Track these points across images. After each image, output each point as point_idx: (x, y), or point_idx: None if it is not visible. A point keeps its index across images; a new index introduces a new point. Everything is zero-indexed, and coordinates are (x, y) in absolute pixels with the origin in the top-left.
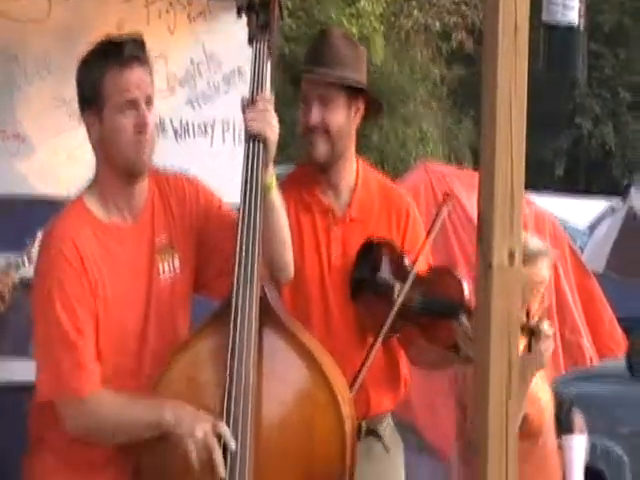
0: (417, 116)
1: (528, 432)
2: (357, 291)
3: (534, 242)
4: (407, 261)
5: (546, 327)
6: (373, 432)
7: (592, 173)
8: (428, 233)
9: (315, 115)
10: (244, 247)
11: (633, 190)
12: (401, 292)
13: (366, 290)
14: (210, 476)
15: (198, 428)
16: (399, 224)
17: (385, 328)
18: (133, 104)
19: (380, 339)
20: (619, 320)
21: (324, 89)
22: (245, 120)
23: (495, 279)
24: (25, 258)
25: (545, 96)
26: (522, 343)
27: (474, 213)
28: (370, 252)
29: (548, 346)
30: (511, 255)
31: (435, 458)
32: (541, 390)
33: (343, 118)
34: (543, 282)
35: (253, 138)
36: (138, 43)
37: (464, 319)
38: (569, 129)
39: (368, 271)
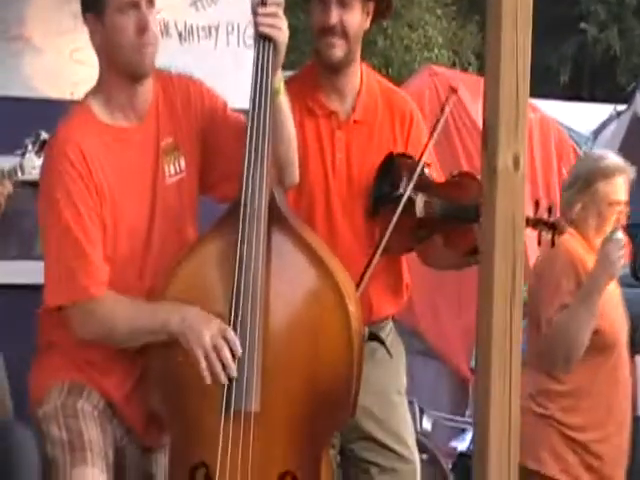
0: (422, 21)
1: (601, 345)
2: (379, 207)
3: (613, 158)
4: (427, 171)
5: (620, 235)
6: (376, 337)
7: (597, 79)
8: (435, 125)
9: (334, 16)
10: (253, 148)
11: (638, 95)
12: (407, 187)
13: (387, 206)
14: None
15: (206, 333)
16: (403, 126)
17: (387, 234)
18: (134, 5)
19: (380, 249)
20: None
21: None
22: (255, 22)
23: (500, 183)
24: (24, 162)
25: (550, 1)
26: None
27: (479, 118)
28: (390, 167)
29: (620, 255)
30: (516, 160)
31: (439, 360)
32: (613, 303)
33: (359, 20)
34: (618, 203)
35: (263, 40)
36: None
37: None
38: (574, 35)
39: (388, 187)
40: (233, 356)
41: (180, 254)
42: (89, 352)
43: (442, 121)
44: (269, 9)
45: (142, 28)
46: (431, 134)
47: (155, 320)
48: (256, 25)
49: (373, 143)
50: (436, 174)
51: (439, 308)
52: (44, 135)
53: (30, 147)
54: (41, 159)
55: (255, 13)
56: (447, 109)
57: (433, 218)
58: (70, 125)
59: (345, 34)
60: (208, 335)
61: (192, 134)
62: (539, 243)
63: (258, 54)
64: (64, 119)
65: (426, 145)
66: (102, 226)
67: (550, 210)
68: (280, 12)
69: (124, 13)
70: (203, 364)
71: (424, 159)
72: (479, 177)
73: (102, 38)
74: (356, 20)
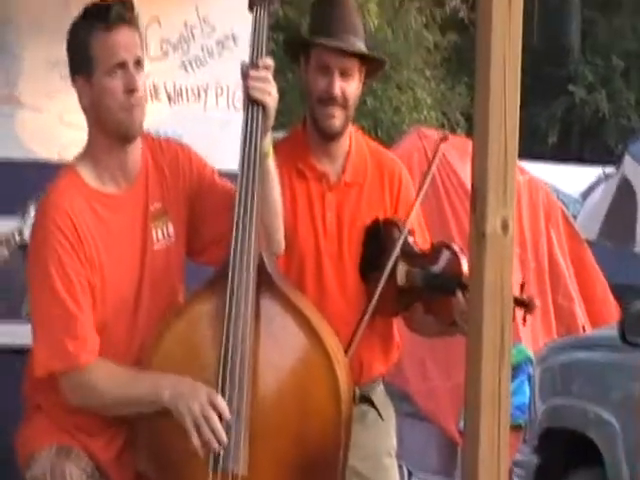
0: (411, 83)
1: None
2: (367, 271)
3: None
4: (410, 239)
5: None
6: (367, 399)
7: (585, 141)
8: (423, 178)
9: (337, 87)
10: (242, 212)
11: (626, 157)
12: (389, 258)
13: (374, 270)
14: (209, 450)
15: (195, 403)
16: (392, 188)
17: (375, 298)
18: (122, 66)
19: (370, 311)
20: (612, 287)
21: (347, 61)
22: (245, 86)
23: (488, 248)
24: (24, 227)
25: (538, 64)
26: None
27: (467, 179)
28: (377, 233)
29: None
30: (504, 224)
31: (427, 422)
32: None
33: (356, 88)
34: None
35: (253, 104)
36: (125, 5)
37: (461, 295)
38: (562, 96)
39: (375, 252)
40: (222, 420)
41: (168, 317)
42: (77, 415)
43: (432, 168)
44: (260, 73)
45: (131, 89)
46: (419, 189)
47: (145, 391)
48: (246, 89)
49: (363, 204)
50: (421, 240)
51: (428, 370)
52: None
53: (32, 211)
54: None
55: (245, 77)
56: (438, 155)
57: (414, 287)
58: (59, 190)
59: (345, 104)
60: (197, 405)
61: (180, 199)
62: (524, 322)
63: (248, 118)
64: (52, 184)
65: (411, 208)
66: (92, 293)
67: (522, 287)
68: (270, 76)
69: (113, 75)
70: (194, 435)
71: (407, 227)
72: (455, 246)
73: (91, 100)
74: (355, 89)
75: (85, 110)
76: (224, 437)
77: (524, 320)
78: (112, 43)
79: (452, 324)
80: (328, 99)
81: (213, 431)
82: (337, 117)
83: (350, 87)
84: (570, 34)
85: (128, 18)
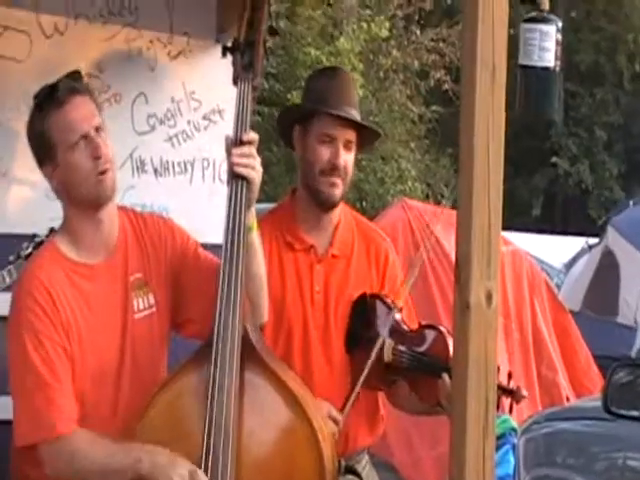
0: (395, 154)
1: None
2: (352, 345)
3: None
4: (399, 317)
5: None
6: (351, 470)
7: (569, 212)
8: (408, 270)
9: (342, 158)
10: (226, 285)
11: (609, 229)
12: (377, 336)
13: (360, 345)
14: None
15: (175, 475)
16: (378, 263)
17: (363, 376)
18: (84, 137)
19: (358, 387)
20: (595, 358)
21: (352, 134)
22: (229, 161)
23: (472, 319)
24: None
25: (522, 136)
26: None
27: (452, 251)
28: (364, 307)
29: None
30: (488, 295)
31: None
32: None
33: (353, 161)
34: None
35: (237, 179)
36: (72, 76)
37: (447, 378)
38: (546, 168)
39: (362, 326)
40: None
41: (153, 390)
42: None
43: (417, 266)
44: (244, 149)
45: (96, 156)
46: (405, 279)
47: (125, 461)
48: (230, 165)
49: (350, 277)
50: (408, 318)
51: (413, 440)
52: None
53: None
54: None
55: (229, 153)
56: (423, 250)
57: (400, 365)
58: (37, 264)
59: (345, 175)
60: (178, 477)
61: (162, 272)
62: (510, 412)
63: (232, 192)
64: (32, 258)
65: (399, 290)
66: (71, 362)
67: (510, 376)
68: (254, 151)
69: (75, 149)
70: None
71: (397, 307)
72: (442, 328)
73: (59, 180)
74: (352, 161)
75: (57, 192)
76: None
77: (510, 409)
78: (69, 120)
79: (437, 405)
80: (331, 170)
81: None
82: (338, 187)
83: (350, 159)
84: (552, 107)
85: (77, 87)
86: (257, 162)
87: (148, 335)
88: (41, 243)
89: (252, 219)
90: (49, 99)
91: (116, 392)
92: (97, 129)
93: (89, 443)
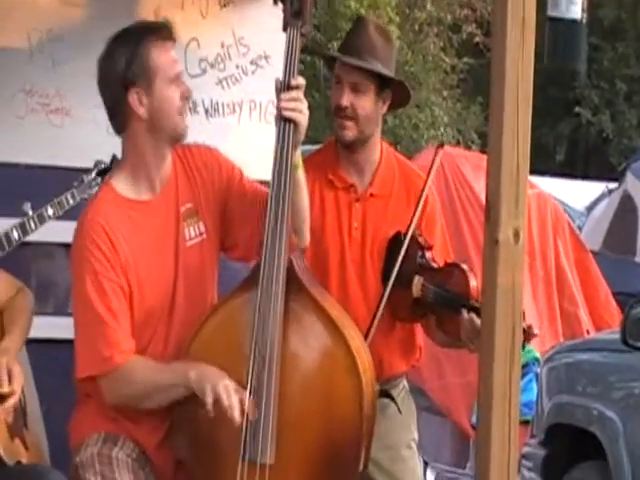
0: (429, 102)
1: None
2: (388, 279)
3: None
4: (429, 255)
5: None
6: (387, 394)
7: (590, 159)
8: (428, 175)
9: (345, 99)
10: (273, 219)
11: (628, 174)
12: (395, 268)
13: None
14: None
15: (220, 385)
16: (417, 202)
17: (385, 297)
18: (178, 76)
19: (380, 312)
20: (614, 294)
21: (357, 76)
22: (278, 104)
23: (501, 255)
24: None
25: (547, 86)
26: None
27: (481, 193)
28: (399, 244)
29: None
30: (516, 233)
31: (442, 416)
32: None
33: (371, 105)
34: None
35: (285, 121)
36: (168, 25)
37: (466, 314)
38: (569, 117)
39: (393, 261)
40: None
41: (204, 315)
42: (125, 406)
43: (434, 169)
44: (292, 94)
45: (187, 97)
46: (422, 191)
47: (176, 375)
48: (279, 108)
49: (388, 216)
50: (442, 257)
51: (442, 367)
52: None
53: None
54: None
55: (279, 97)
56: (437, 160)
57: (427, 300)
58: (94, 207)
59: (356, 116)
60: (222, 386)
61: (210, 199)
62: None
63: (280, 133)
64: (91, 199)
65: (415, 208)
66: (128, 300)
67: (523, 315)
68: (301, 95)
69: (172, 84)
70: (210, 404)
71: (410, 232)
72: (465, 266)
73: (149, 107)
74: (367, 105)
75: (138, 119)
76: (238, 416)
77: (522, 345)
78: (171, 56)
79: (458, 339)
80: (338, 110)
81: (237, 400)
82: (348, 128)
83: (362, 102)
84: (579, 59)
85: (175, 36)
86: (304, 106)
87: (199, 261)
88: (104, 170)
89: (298, 158)
90: (156, 33)
91: (171, 314)
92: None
93: (142, 366)
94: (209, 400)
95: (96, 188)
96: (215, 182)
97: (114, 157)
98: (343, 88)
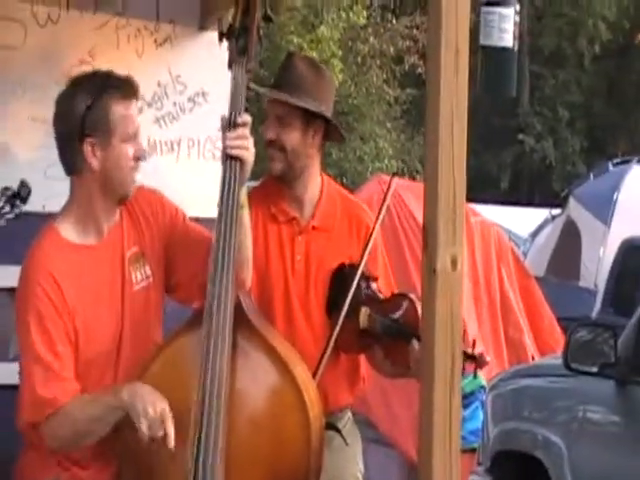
0: (373, 134)
1: None
2: (332, 311)
3: None
4: (375, 286)
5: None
6: (332, 426)
7: (535, 185)
8: (380, 210)
9: (272, 132)
10: (220, 256)
11: (571, 200)
12: (345, 301)
13: (337, 309)
14: (166, 451)
15: (149, 403)
16: (359, 235)
17: (335, 332)
18: (135, 135)
19: (330, 346)
20: (558, 320)
21: (280, 109)
22: (224, 142)
23: (439, 283)
24: None
25: (491, 115)
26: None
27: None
28: (342, 276)
29: None
30: (453, 260)
31: (390, 447)
32: None
33: (298, 138)
34: None
35: (231, 159)
36: (134, 81)
37: (416, 344)
38: (513, 145)
39: (339, 295)
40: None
41: (148, 355)
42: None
43: (386, 204)
44: (238, 131)
45: (139, 157)
46: (376, 219)
47: (107, 399)
48: (225, 147)
49: (330, 248)
50: (386, 288)
51: (390, 399)
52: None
53: None
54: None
55: (224, 134)
56: (390, 191)
57: (374, 331)
58: (40, 250)
59: (283, 149)
60: (156, 407)
61: (155, 241)
62: (474, 376)
63: (226, 171)
64: (35, 243)
65: (368, 239)
66: (75, 340)
67: (474, 343)
68: (247, 133)
69: (127, 142)
70: (143, 426)
71: (362, 264)
72: (413, 296)
73: (102, 162)
74: (295, 138)
75: (90, 169)
76: (172, 440)
77: (474, 373)
78: (130, 115)
79: (407, 368)
80: (267, 143)
81: (165, 428)
82: (276, 160)
83: (287, 134)
84: (512, 85)
85: (138, 94)
86: (250, 143)
87: (145, 304)
88: (13, 196)
89: (244, 197)
90: (119, 88)
91: (117, 359)
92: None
93: (77, 402)
94: (142, 427)
95: (7, 217)
96: (159, 224)
97: (22, 182)
98: (269, 121)
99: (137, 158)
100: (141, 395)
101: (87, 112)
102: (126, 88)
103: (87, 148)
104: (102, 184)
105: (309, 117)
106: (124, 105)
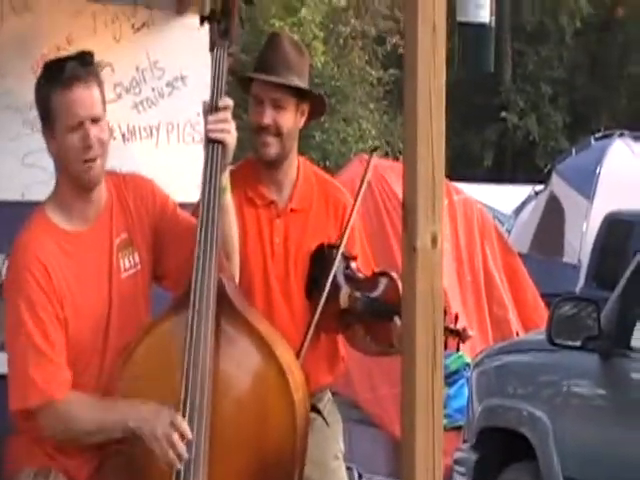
0: (356, 116)
1: None
2: (312, 292)
3: None
4: (354, 265)
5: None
6: (313, 407)
7: (518, 163)
8: (360, 187)
9: (268, 117)
10: (203, 240)
11: (554, 176)
12: (328, 276)
13: (318, 290)
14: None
15: (158, 426)
16: (336, 215)
17: (317, 315)
18: (79, 125)
19: (312, 327)
20: (542, 296)
21: (278, 93)
22: (206, 126)
23: (419, 260)
24: None
25: (473, 93)
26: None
27: None
28: (321, 257)
29: None
30: (434, 238)
31: (375, 427)
32: None
33: (292, 120)
34: None
35: (213, 143)
36: (83, 60)
37: (398, 321)
38: (496, 123)
39: (319, 275)
40: (184, 439)
41: (133, 339)
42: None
43: (366, 180)
44: (219, 115)
45: (86, 146)
46: (356, 197)
47: (113, 419)
48: (207, 130)
49: (309, 229)
50: (365, 267)
51: (375, 379)
52: None
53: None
54: None
55: (206, 118)
56: (369, 169)
57: (355, 310)
58: (29, 235)
59: (279, 133)
60: (160, 428)
61: (144, 229)
62: (457, 350)
63: (208, 155)
64: (25, 228)
65: (348, 219)
66: (65, 327)
67: (457, 318)
68: (229, 116)
69: (70, 132)
70: (159, 453)
71: (343, 244)
72: (394, 274)
73: (55, 150)
74: (289, 120)
75: (53, 157)
76: (184, 454)
77: (457, 347)
78: (69, 105)
79: (390, 346)
80: (260, 128)
81: (174, 449)
82: (271, 145)
83: (284, 118)
84: (489, 62)
85: (84, 75)
86: (232, 127)
87: (133, 291)
88: None
89: (226, 180)
90: (56, 76)
91: (105, 345)
92: (94, 119)
93: (80, 405)
94: (157, 451)
95: None
96: (149, 212)
97: None
98: (264, 106)
99: (85, 148)
100: (147, 420)
101: (37, 104)
102: (63, 75)
103: (45, 135)
104: (63, 171)
105: (299, 97)
106: (63, 94)
